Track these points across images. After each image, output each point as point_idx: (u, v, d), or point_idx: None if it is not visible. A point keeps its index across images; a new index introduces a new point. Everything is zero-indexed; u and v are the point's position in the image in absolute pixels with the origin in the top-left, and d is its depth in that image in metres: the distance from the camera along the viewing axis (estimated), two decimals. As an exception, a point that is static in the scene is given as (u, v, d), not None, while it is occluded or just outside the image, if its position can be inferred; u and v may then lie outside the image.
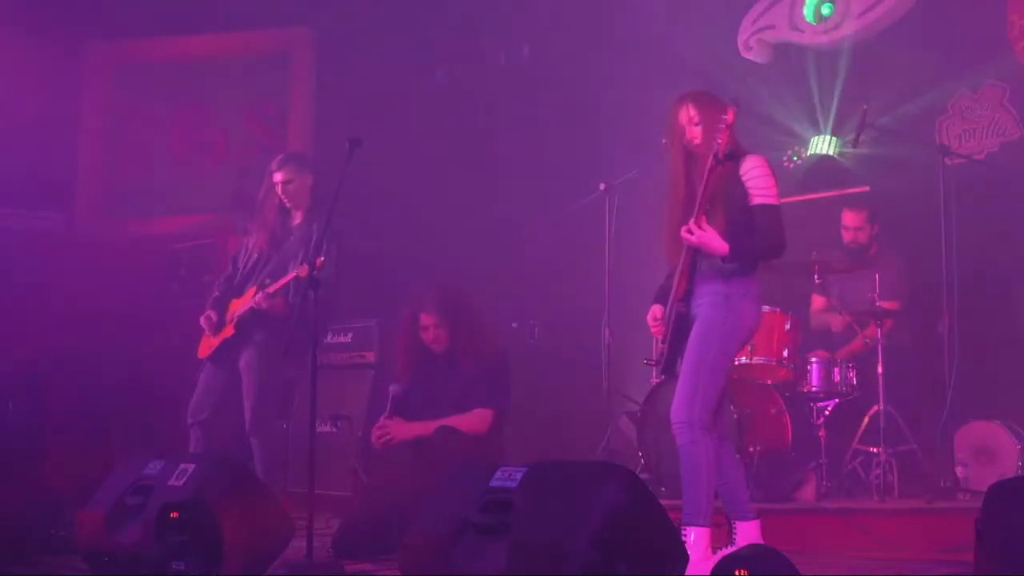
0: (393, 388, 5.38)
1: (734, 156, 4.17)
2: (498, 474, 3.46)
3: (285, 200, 6.08)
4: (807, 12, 7.43)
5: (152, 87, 8.75)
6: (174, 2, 8.38)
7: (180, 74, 8.72)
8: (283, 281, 5.79)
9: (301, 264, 5.67)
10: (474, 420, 5.25)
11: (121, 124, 8.78)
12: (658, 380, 6.19)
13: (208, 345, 6.05)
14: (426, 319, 5.37)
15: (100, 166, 8.74)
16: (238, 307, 5.98)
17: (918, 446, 5.94)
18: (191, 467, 4.17)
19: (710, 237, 4.12)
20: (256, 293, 5.86)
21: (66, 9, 8.07)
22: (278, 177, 6.08)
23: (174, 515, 3.99)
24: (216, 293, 6.16)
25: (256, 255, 6.08)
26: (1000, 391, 6.12)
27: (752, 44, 7.64)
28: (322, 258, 5.69)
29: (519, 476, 3.40)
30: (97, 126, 8.77)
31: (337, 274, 5.90)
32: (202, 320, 6.05)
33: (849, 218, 6.60)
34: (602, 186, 6.63)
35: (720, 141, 4.12)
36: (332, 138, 6.83)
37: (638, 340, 6.67)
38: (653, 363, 4.64)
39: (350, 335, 6.99)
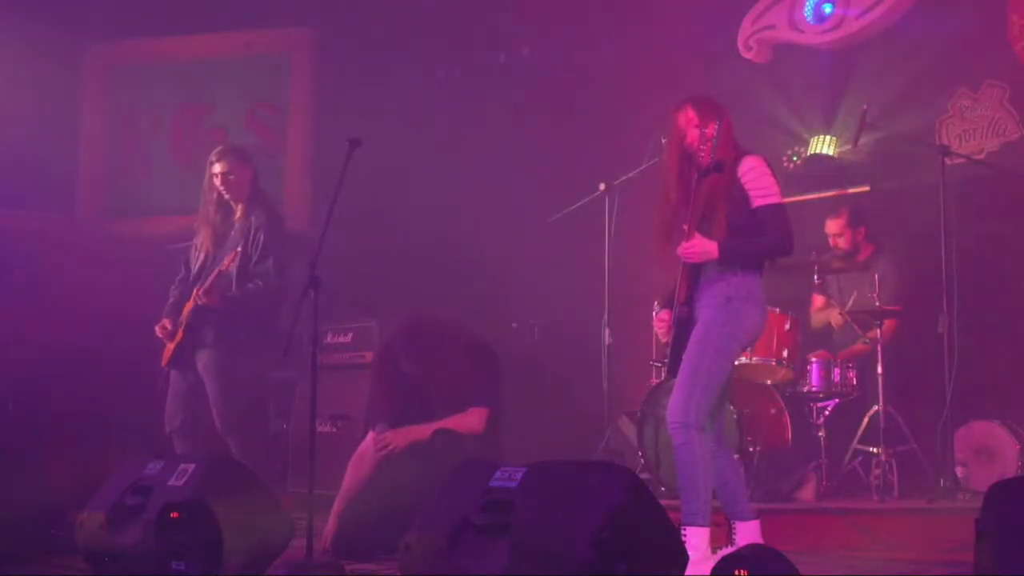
0: (379, 427, 5.32)
1: (719, 167, 4.14)
2: (498, 474, 3.46)
3: (224, 192, 6.01)
4: (807, 12, 7.43)
5: (152, 87, 8.75)
6: (174, 2, 8.38)
7: (180, 74, 8.72)
8: (212, 276, 5.76)
9: (231, 261, 5.70)
10: (471, 419, 5.22)
11: (121, 124, 8.79)
12: (658, 380, 6.21)
13: (167, 353, 6.01)
14: (408, 367, 5.34)
15: (100, 166, 8.74)
16: (187, 312, 5.95)
17: (918, 446, 5.94)
18: (191, 467, 4.17)
19: (701, 247, 4.13)
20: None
21: (66, 9, 8.07)
22: (217, 169, 6.01)
23: (174, 515, 3.99)
24: (171, 299, 6.09)
25: (203, 255, 6.02)
26: (1000, 391, 6.12)
27: (752, 44, 7.64)
28: (238, 249, 5.71)
29: (519, 476, 3.40)
30: (97, 126, 8.77)
31: (277, 265, 5.87)
32: (157, 330, 5.99)
33: (829, 224, 6.63)
34: (602, 186, 6.63)
35: (702, 155, 4.13)
36: (332, 138, 6.83)
37: (638, 340, 6.69)
38: (662, 364, 4.66)
39: (350, 335, 6.99)
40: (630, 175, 6.54)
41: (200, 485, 4.06)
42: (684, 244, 4.15)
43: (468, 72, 8.44)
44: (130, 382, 6.95)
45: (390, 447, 5.17)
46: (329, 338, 6.93)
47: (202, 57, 8.72)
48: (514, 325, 7.40)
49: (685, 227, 4.17)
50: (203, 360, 5.89)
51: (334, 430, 6.56)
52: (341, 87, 8.17)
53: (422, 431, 5.18)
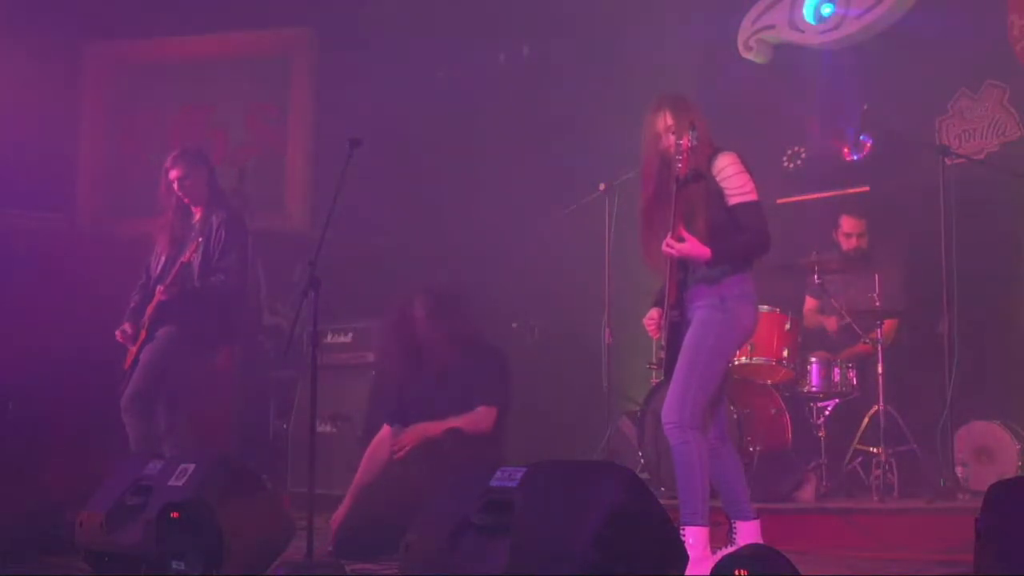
0: (394, 429, 5.33)
1: (700, 175, 4.13)
2: (498, 474, 3.46)
3: (183, 197, 5.98)
4: (807, 12, 7.44)
5: (152, 87, 8.76)
6: (174, 2, 8.38)
7: (180, 74, 8.73)
8: (175, 269, 5.74)
9: (194, 251, 5.72)
10: (479, 419, 5.20)
11: (121, 124, 8.79)
12: (657, 381, 6.21)
13: (130, 355, 5.94)
14: (419, 312, 5.33)
15: (100, 166, 8.74)
16: (149, 311, 5.93)
17: (918, 446, 5.94)
18: (191, 467, 4.17)
19: (690, 247, 4.10)
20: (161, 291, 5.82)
21: (66, 9, 8.07)
22: (174, 174, 5.97)
23: (174, 515, 3.99)
24: (132, 304, 6.05)
25: (164, 258, 5.99)
26: (1000, 391, 6.12)
27: (752, 44, 7.64)
28: (200, 239, 5.73)
29: (519, 476, 3.40)
30: (97, 126, 8.77)
31: (240, 262, 5.87)
32: (117, 334, 5.94)
33: (850, 224, 6.54)
34: (602, 186, 6.63)
35: (679, 166, 4.12)
36: (332, 138, 6.84)
37: (638, 340, 6.68)
38: (656, 366, 4.63)
39: (350, 335, 6.99)
40: (630, 175, 6.54)
41: (200, 485, 4.06)
42: (674, 243, 4.10)
43: (468, 72, 8.44)
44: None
45: (406, 448, 5.16)
46: (329, 338, 6.93)
47: (202, 57, 8.72)
48: (514, 325, 7.40)
49: (671, 234, 4.13)
50: (146, 351, 5.84)
51: (334, 430, 6.56)
52: (341, 87, 8.17)
53: (434, 428, 5.17)
